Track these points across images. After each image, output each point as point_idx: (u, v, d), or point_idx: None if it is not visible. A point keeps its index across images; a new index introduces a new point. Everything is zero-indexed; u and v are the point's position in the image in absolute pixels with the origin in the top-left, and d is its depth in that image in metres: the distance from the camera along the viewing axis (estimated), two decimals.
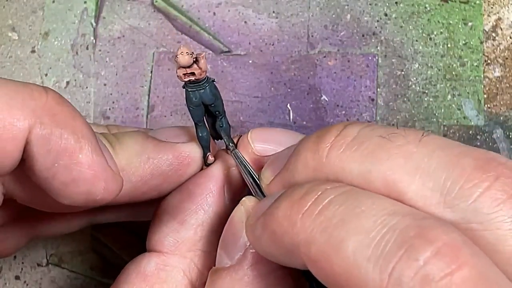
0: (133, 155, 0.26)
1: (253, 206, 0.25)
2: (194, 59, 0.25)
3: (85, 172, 0.22)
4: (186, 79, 0.25)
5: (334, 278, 0.18)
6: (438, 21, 0.40)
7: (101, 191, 0.22)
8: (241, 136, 0.29)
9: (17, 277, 0.40)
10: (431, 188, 0.19)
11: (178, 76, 0.25)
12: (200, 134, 0.28)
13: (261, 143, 0.28)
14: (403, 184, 0.20)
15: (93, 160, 0.22)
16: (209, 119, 0.29)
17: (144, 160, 0.26)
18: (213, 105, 0.27)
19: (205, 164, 0.28)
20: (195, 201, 0.27)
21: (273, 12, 0.42)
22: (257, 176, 0.27)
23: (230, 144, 0.28)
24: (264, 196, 0.25)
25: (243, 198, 0.26)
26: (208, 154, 0.28)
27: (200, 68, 0.25)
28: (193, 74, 0.25)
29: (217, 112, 0.28)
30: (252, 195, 0.26)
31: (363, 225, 0.18)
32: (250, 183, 0.27)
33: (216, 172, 0.28)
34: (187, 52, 0.24)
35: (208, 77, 0.26)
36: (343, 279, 0.18)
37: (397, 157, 0.20)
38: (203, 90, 0.26)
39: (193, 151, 0.28)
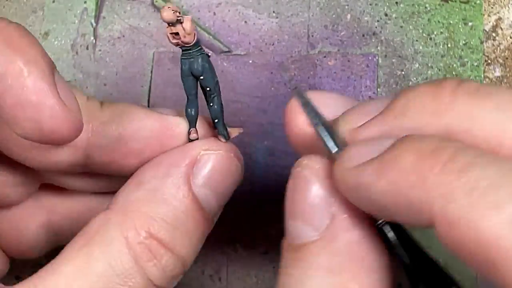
0: (118, 113, 0.26)
1: (322, 167, 0.21)
2: (179, 18, 0.25)
3: (30, 95, 0.22)
4: (173, 41, 0.25)
5: (474, 247, 0.16)
6: (438, 21, 0.40)
7: (47, 120, 0.22)
8: (291, 101, 0.24)
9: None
10: None
11: (167, 36, 0.25)
12: (188, 109, 0.27)
13: (325, 108, 0.24)
14: None
15: (39, 86, 0.22)
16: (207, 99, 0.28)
17: (128, 120, 0.26)
18: (202, 77, 0.27)
19: (188, 140, 0.28)
20: (157, 169, 0.26)
21: (273, 12, 0.42)
22: (328, 125, 0.23)
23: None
24: (339, 148, 0.22)
25: (303, 161, 0.22)
26: (191, 129, 0.28)
27: (184, 29, 0.25)
28: (178, 35, 0.25)
29: (208, 89, 0.27)
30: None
31: None
32: (318, 132, 0.23)
33: (190, 149, 0.27)
34: (170, 7, 0.24)
35: (201, 48, 0.26)
36: (485, 250, 0.16)
37: None
38: (192, 59, 0.26)
39: (180, 126, 0.27)
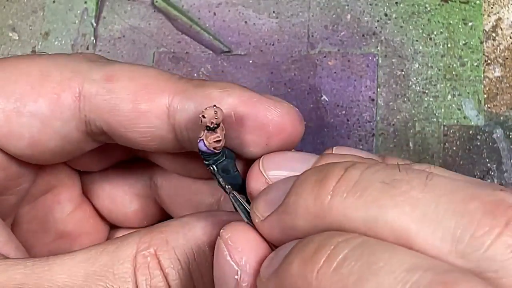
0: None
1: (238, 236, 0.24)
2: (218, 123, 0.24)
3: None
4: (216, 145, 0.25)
5: None
6: (438, 21, 0.40)
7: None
8: (252, 164, 0.27)
9: None
10: (440, 237, 0.19)
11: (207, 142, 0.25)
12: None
13: (275, 171, 0.27)
14: (412, 233, 0.19)
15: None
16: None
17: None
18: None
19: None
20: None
21: (273, 12, 0.42)
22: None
23: (227, 186, 0.27)
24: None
25: (221, 231, 0.24)
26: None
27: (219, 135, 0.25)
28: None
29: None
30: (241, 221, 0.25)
31: (382, 283, 0.18)
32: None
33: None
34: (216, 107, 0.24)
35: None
36: None
37: (403, 205, 0.20)
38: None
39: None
